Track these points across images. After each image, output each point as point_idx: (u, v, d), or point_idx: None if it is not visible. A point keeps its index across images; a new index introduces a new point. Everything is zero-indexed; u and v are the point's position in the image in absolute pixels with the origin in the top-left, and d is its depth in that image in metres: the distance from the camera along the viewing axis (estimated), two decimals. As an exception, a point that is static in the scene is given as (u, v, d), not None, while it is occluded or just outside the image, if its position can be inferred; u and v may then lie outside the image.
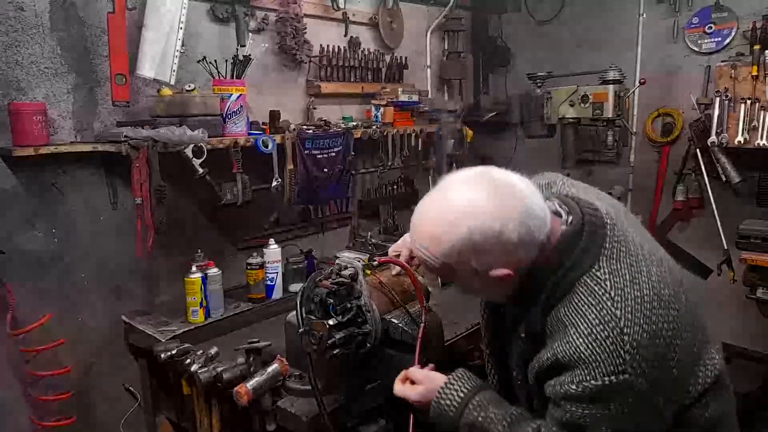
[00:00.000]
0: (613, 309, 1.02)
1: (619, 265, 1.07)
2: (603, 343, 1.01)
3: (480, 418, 1.21)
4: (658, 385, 1.03)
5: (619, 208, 1.24)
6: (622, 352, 1.00)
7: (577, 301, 1.06)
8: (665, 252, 1.21)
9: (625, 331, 1.00)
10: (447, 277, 1.17)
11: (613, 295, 1.03)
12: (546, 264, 1.10)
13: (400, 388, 1.37)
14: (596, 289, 1.05)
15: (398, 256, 1.66)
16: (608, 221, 1.12)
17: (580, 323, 1.04)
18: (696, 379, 1.12)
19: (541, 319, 1.12)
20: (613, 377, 1.00)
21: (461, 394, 1.26)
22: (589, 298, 1.05)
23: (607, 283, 1.05)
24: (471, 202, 1.06)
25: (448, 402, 1.26)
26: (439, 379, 1.32)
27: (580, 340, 1.03)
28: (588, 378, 1.02)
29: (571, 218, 1.12)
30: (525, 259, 1.08)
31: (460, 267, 1.09)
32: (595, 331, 1.02)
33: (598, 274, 1.06)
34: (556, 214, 1.15)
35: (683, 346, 1.07)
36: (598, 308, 1.03)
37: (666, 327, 1.03)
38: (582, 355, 1.02)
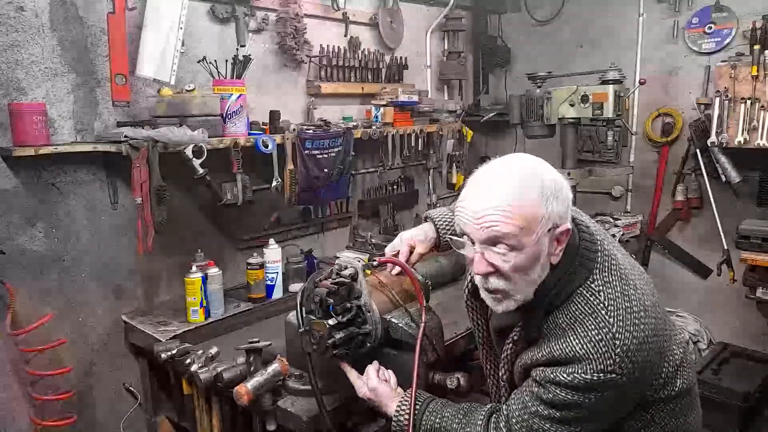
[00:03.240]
0: (606, 317, 1.14)
1: (611, 278, 1.19)
2: (597, 345, 1.13)
3: (438, 419, 1.35)
4: (636, 383, 1.17)
5: (600, 228, 1.35)
6: (612, 354, 1.12)
7: (574, 309, 1.18)
8: (635, 260, 1.35)
9: (617, 336, 1.13)
10: (514, 248, 1.14)
11: (606, 304, 1.16)
12: (547, 277, 1.20)
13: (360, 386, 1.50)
14: (591, 299, 1.17)
15: (396, 255, 1.66)
16: (598, 237, 1.24)
17: (577, 328, 1.16)
18: (666, 367, 1.25)
19: (538, 324, 1.22)
20: (602, 375, 1.12)
21: (416, 407, 1.38)
22: (586, 307, 1.17)
23: (601, 294, 1.17)
24: (531, 163, 1.18)
25: (405, 416, 1.38)
26: (383, 395, 1.44)
27: (576, 341, 1.15)
28: (580, 372, 1.13)
29: None
30: (568, 222, 1.18)
31: (538, 222, 1.12)
32: (590, 334, 1.14)
33: (592, 285, 1.18)
34: None
35: (660, 349, 1.21)
36: (594, 316, 1.15)
37: (650, 334, 1.16)
38: (577, 354, 1.14)
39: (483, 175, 1.19)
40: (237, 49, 2.61)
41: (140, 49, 2.21)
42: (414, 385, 1.38)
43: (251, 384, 1.65)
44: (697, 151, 3.22)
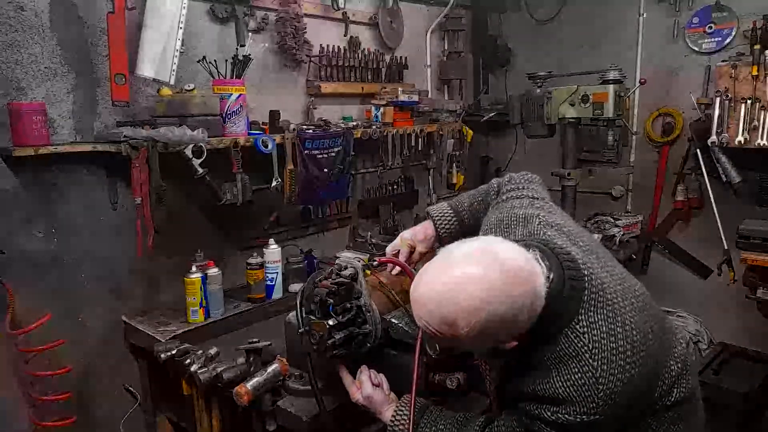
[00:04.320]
0: (590, 361, 1.12)
1: (596, 317, 1.15)
2: (579, 389, 1.12)
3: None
4: (622, 416, 1.16)
5: (591, 245, 1.31)
6: (596, 398, 1.11)
7: (559, 350, 1.15)
8: (627, 273, 1.30)
9: (600, 380, 1.11)
10: (452, 346, 1.20)
11: (591, 347, 1.12)
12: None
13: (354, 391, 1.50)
14: (576, 341, 1.14)
15: (396, 255, 1.66)
16: (585, 272, 1.19)
17: (561, 369, 1.14)
18: (661, 386, 1.22)
19: (524, 358, 1.21)
20: (584, 417, 1.12)
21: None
22: (570, 349, 1.14)
23: (586, 336, 1.13)
24: (488, 291, 1.06)
25: (401, 427, 1.38)
26: (377, 403, 1.46)
27: (560, 383, 1.14)
28: (563, 413, 1.13)
29: (552, 275, 1.15)
30: (527, 328, 1.13)
31: (471, 343, 1.12)
32: (573, 378, 1.12)
33: (577, 327, 1.14)
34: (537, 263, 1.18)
35: (650, 376, 1.19)
36: (577, 359, 1.13)
37: (637, 371, 1.13)
38: (560, 395, 1.13)
39: (437, 277, 1.11)
40: (237, 48, 2.61)
41: (140, 48, 2.21)
42: (413, 391, 1.37)
43: (251, 384, 1.65)
44: (698, 151, 3.22)
